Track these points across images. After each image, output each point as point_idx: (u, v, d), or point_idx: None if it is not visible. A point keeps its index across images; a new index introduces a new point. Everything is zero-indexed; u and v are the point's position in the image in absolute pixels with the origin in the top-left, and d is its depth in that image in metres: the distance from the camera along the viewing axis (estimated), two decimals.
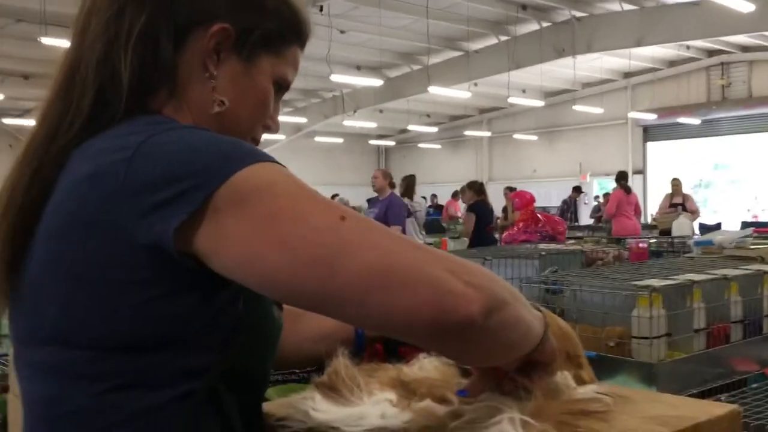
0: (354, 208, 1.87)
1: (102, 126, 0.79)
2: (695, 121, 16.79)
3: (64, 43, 0.91)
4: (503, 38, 14.33)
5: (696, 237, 5.20)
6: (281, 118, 0.98)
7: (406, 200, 7.97)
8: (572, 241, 6.16)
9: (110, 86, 0.80)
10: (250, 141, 0.89)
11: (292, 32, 0.90)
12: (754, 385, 1.79)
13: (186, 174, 0.70)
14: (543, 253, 3.43)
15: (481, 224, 8.25)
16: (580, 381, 0.97)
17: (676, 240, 5.54)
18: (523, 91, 17.55)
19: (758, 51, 15.71)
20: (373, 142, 23.59)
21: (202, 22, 0.84)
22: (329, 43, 11.79)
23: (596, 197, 13.56)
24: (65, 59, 0.84)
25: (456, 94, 15.15)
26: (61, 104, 0.81)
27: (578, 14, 13.24)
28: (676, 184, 9.75)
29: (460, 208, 12.70)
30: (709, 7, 10.88)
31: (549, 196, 17.15)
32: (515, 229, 7.62)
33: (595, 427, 0.83)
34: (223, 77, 0.85)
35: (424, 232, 9.08)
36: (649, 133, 18.32)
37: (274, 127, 0.94)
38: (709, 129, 16.98)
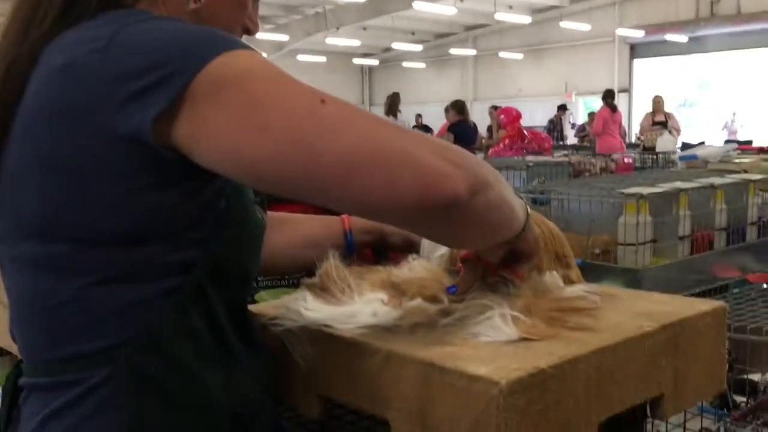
0: None
1: (75, 19, 0.77)
2: (683, 38, 16.61)
3: None
4: None
5: (680, 152, 5.24)
6: (261, 36, 0.95)
7: (390, 118, 7.91)
8: (559, 154, 6.17)
9: None
10: None
11: None
12: (736, 290, 1.83)
13: (163, 61, 0.69)
14: (530, 164, 3.43)
15: (462, 145, 8.19)
16: (569, 281, 0.98)
17: (660, 155, 5.57)
18: (510, 7, 17.19)
19: None
20: (356, 60, 23.17)
21: None
22: None
23: (581, 125, 13.45)
24: None
25: (441, 9, 14.81)
26: None
27: None
28: (657, 101, 9.63)
29: None
30: None
31: (534, 115, 17.02)
32: (501, 146, 7.61)
33: (583, 323, 0.85)
34: None
35: None
36: (636, 50, 18.14)
37: (253, 28, 0.92)
38: (696, 46, 16.83)
